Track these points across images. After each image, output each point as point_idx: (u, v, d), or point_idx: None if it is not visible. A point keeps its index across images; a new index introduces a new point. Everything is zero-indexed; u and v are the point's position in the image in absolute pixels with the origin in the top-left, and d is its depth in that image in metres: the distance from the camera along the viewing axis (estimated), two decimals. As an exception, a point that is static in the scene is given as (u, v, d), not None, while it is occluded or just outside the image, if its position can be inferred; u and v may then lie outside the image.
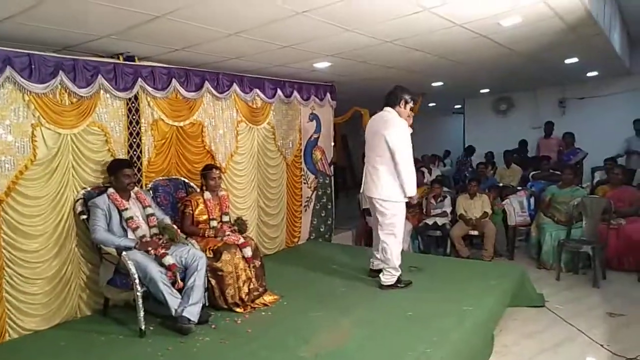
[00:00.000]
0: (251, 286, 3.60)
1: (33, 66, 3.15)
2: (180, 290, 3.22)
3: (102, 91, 3.60)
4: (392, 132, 3.77)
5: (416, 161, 4.72)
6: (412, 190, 3.80)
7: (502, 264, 5.41)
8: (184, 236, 3.59)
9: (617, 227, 5.13)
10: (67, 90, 3.38)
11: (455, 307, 3.36)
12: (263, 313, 3.47)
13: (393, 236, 3.89)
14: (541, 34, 4.22)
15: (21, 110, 3.17)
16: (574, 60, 5.86)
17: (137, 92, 3.83)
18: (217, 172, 3.93)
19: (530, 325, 3.81)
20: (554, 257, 5.18)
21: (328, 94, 6.06)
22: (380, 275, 3.94)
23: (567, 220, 5.26)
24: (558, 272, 5.01)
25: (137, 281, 3.08)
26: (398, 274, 3.91)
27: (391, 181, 3.80)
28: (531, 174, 7.22)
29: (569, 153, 7.54)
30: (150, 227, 3.46)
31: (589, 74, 7.49)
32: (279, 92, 5.23)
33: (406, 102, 3.87)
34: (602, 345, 3.41)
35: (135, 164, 3.85)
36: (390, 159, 3.76)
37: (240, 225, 3.92)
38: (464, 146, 10.51)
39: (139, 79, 3.81)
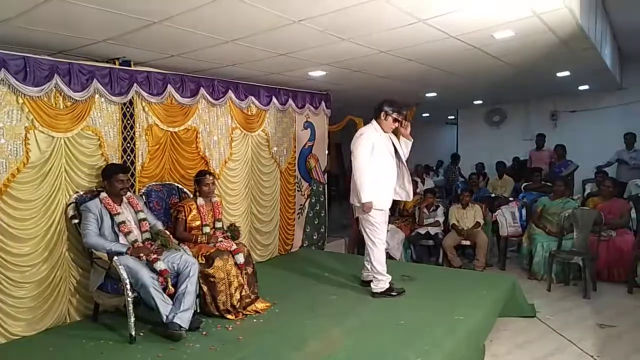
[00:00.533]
0: (243, 293, 3.58)
1: (28, 69, 3.15)
2: (171, 296, 3.20)
3: (97, 95, 3.59)
4: (353, 140, 3.94)
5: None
6: (362, 197, 3.80)
7: (493, 274, 5.43)
8: (177, 242, 3.57)
9: (608, 238, 5.17)
10: (62, 94, 3.36)
11: (447, 317, 3.37)
12: (255, 320, 3.45)
13: (371, 241, 3.95)
14: (534, 47, 4.28)
15: (15, 113, 3.15)
16: (566, 73, 5.95)
17: (132, 97, 3.83)
18: (211, 178, 3.93)
19: (521, 336, 3.82)
20: (545, 268, 5.21)
21: (323, 103, 6.08)
22: (371, 283, 3.96)
23: (558, 231, 5.30)
24: (549, 283, 5.04)
25: (128, 286, 3.05)
26: (387, 279, 3.92)
27: (366, 188, 3.88)
28: (523, 185, 7.28)
29: (560, 165, 7.61)
30: (142, 232, 3.45)
31: (581, 88, 7.60)
32: (274, 99, 5.24)
33: (387, 114, 3.92)
34: (592, 356, 3.42)
35: (129, 169, 3.83)
36: None
37: (233, 232, 3.91)
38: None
39: (135, 84, 3.81)
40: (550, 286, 5.01)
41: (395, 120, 3.94)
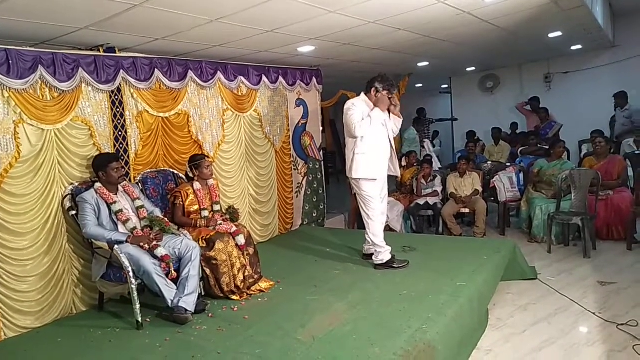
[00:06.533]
0: (246, 273, 3.60)
1: (11, 61, 3.08)
2: (174, 281, 3.22)
3: (83, 84, 3.54)
4: (344, 111, 3.96)
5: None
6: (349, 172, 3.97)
7: (494, 240, 5.45)
8: (175, 226, 3.57)
9: (606, 197, 5.20)
10: (48, 85, 3.31)
11: (449, 284, 3.39)
12: (259, 299, 3.48)
13: (366, 214, 4.00)
14: (524, 8, 4.21)
15: (1, 107, 3.10)
16: (558, 34, 5.87)
17: (120, 84, 3.78)
18: (209, 160, 3.93)
19: (523, 298, 3.87)
20: (545, 231, 5.25)
21: (314, 79, 6.01)
22: (373, 256, 3.99)
23: (556, 193, 5.31)
24: (549, 245, 5.08)
25: (131, 274, 3.06)
26: (386, 250, 3.95)
27: (350, 160, 3.99)
28: (520, 149, 7.28)
29: (545, 127, 7.62)
30: (140, 220, 3.44)
31: (574, 48, 7.52)
32: (264, 78, 5.18)
33: (377, 90, 3.90)
34: (594, 313, 3.48)
35: (123, 157, 3.80)
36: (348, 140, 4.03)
37: (232, 214, 3.91)
38: (452, 126, 10.54)
39: (121, 71, 3.75)
40: (551, 248, 5.05)
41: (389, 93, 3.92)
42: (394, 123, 4.09)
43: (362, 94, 3.99)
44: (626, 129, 7.08)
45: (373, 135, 3.90)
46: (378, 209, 4.00)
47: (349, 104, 3.95)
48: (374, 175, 3.94)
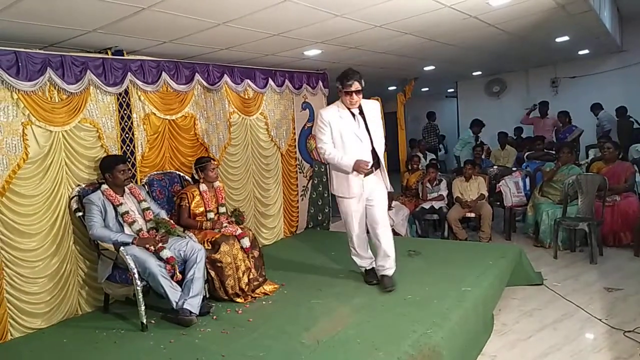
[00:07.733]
0: (251, 276, 3.61)
1: (20, 64, 3.11)
2: (179, 283, 3.23)
3: (91, 87, 3.56)
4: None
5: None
6: (345, 168, 3.44)
7: (499, 244, 5.44)
8: (181, 229, 3.59)
9: (612, 203, 5.16)
10: (56, 87, 3.34)
11: (454, 289, 3.38)
12: (264, 302, 3.48)
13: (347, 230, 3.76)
14: (531, 13, 4.20)
15: (10, 109, 3.13)
16: (565, 38, 5.85)
17: (127, 87, 3.80)
18: (215, 162, 3.96)
19: (529, 304, 3.85)
20: (552, 236, 5.21)
21: (320, 82, 6.03)
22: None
23: (563, 198, 5.27)
24: (555, 250, 5.05)
25: (136, 276, 3.07)
26: (359, 264, 3.79)
27: (332, 176, 3.67)
28: (526, 154, 7.25)
29: (565, 131, 7.60)
30: (146, 221, 3.46)
31: (581, 52, 7.49)
32: (271, 81, 5.19)
33: (340, 90, 3.50)
34: (600, 320, 3.45)
35: (129, 159, 3.82)
36: None
37: (237, 217, 3.93)
38: (458, 130, 10.51)
39: (129, 73, 3.78)
40: (557, 253, 5.02)
41: (347, 93, 3.43)
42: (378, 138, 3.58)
43: (339, 100, 3.58)
44: (599, 134, 7.27)
45: (341, 147, 3.49)
46: (354, 231, 3.65)
47: (316, 115, 3.56)
48: (348, 193, 3.55)
